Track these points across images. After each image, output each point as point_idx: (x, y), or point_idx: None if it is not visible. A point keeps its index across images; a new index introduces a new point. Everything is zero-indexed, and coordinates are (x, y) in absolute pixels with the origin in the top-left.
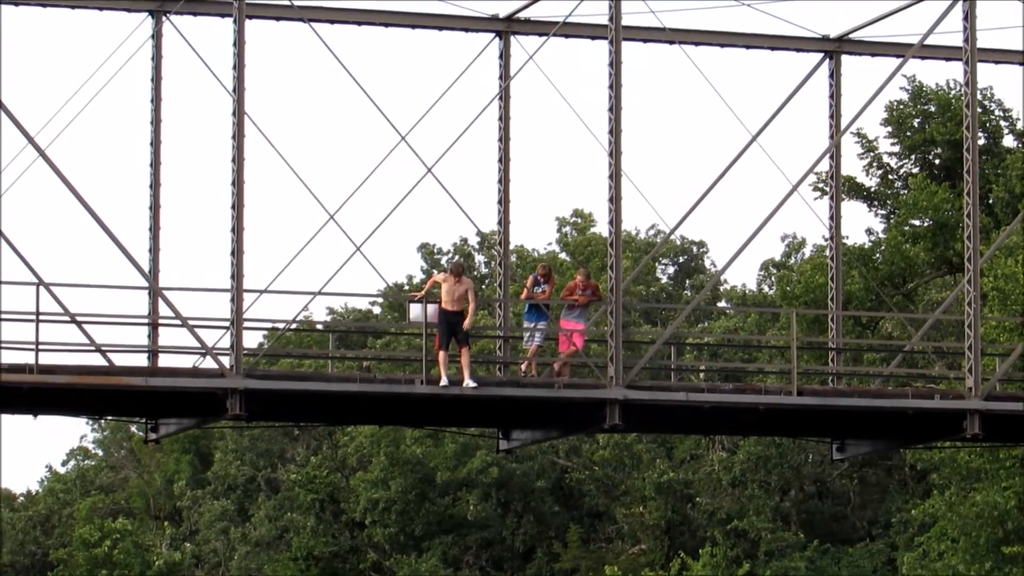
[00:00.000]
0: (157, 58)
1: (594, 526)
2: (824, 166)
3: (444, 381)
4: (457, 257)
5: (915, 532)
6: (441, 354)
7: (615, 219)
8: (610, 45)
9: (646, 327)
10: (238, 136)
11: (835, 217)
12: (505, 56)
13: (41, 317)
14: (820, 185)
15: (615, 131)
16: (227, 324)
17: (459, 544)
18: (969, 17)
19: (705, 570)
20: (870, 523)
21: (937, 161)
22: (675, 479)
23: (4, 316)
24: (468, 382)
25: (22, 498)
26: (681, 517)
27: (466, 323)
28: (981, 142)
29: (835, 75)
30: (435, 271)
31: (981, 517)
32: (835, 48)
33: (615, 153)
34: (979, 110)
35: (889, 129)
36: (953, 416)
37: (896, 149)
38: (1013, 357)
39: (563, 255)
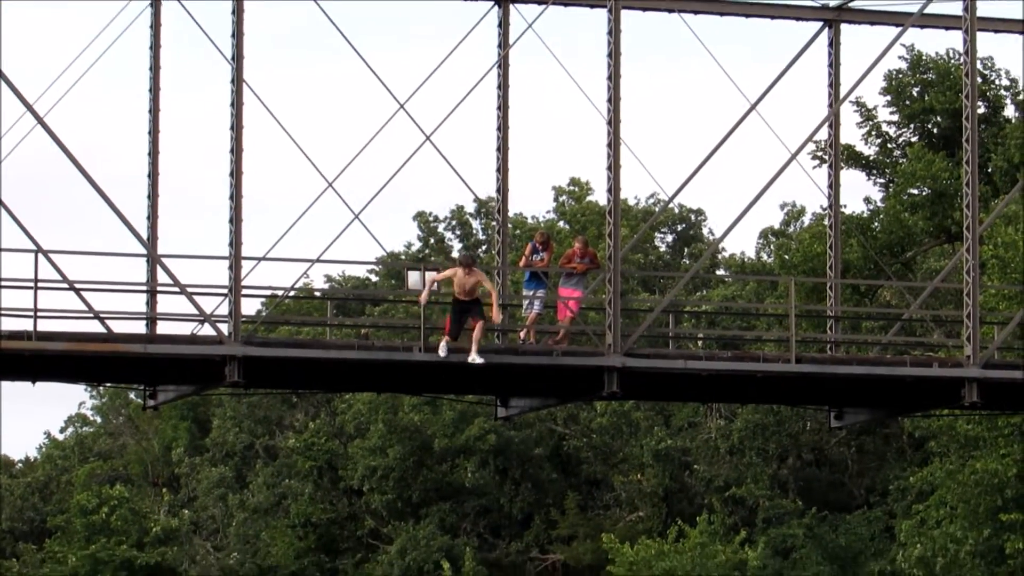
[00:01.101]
0: (156, 26)
1: (592, 493)
2: (823, 135)
3: (443, 351)
4: (466, 250)
5: (913, 500)
6: (446, 339)
7: (614, 187)
8: (609, 13)
9: (644, 295)
10: (236, 104)
11: (834, 186)
12: (504, 24)
13: (40, 284)
14: (819, 154)
15: (614, 100)
16: (225, 291)
17: (457, 511)
18: None
19: (702, 537)
20: (868, 491)
21: (936, 130)
22: (673, 447)
23: (3, 283)
24: (474, 356)
25: (20, 464)
26: (679, 485)
27: (495, 316)
28: (980, 111)
29: (834, 44)
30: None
31: (979, 485)
32: (834, 17)
33: (614, 122)
34: (979, 80)
35: (888, 98)
36: (951, 384)
37: (895, 118)
38: (1012, 325)
39: (561, 223)
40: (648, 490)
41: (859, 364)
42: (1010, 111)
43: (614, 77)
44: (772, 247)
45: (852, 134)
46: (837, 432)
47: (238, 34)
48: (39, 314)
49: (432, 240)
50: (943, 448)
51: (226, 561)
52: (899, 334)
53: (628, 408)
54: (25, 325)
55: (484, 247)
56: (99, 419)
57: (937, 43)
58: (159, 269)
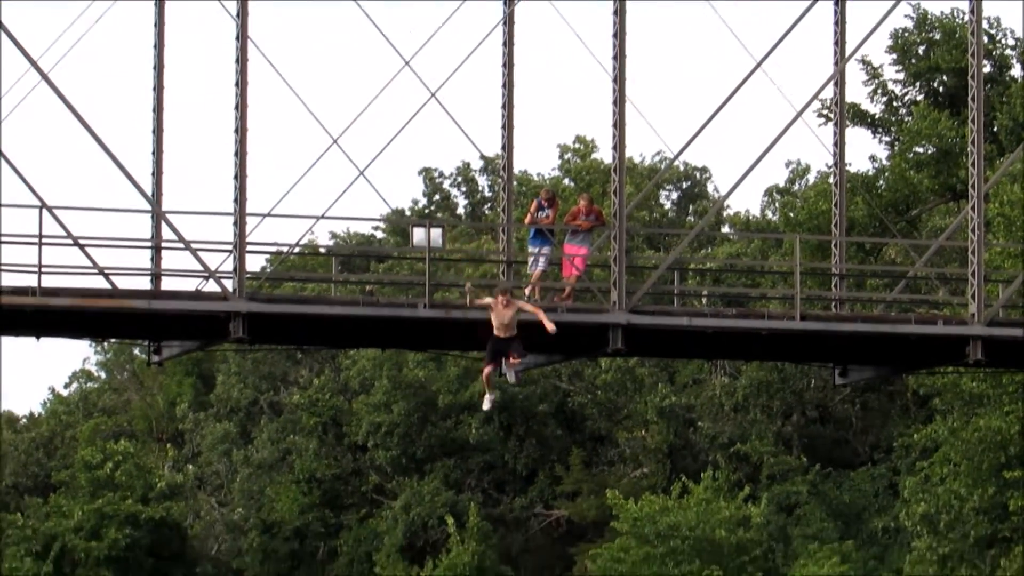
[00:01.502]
0: None
1: (596, 450)
2: (829, 93)
3: (488, 403)
4: (505, 280)
5: (917, 457)
6: (487, 369)
7: (619, 145)
8: None
9: (649, 253)
10: (241, 60)
11: (839, 144)
12: None
13: (44, 240)
14: (824, 112)
15: (619, 57)
16: (230, 248)
17: (461, 467)
18: None
19: (707, 494)
20: (872, 448)
21: (941, 89)
22: (677, 403)
23: (6, 239)
24: (509, 372)
25: (24, 420)
26: (683, 441)
27: (549, 326)
28: (986, 70)
29: (840, 2)
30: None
31: (983, 442)
32: None
33: (619, 79)
34: (985, 39)
35: (894, 56)
36: (956, 342)
37: (901, 76)
38: (1016, 283)
39: (566, 181)
40: (652, 446)
41: (864, 321)
42: (1016, 70)
43: (619, 34)
44: (777, 205)
45: (858, 92)
46: (841, 389)
47: None
48: (43, 270)
49: (438, 197)
50: (947, 405)
51: (230, 516)
52: (904, 292)
53: (633, 364)
54: (29, 281)
55: (489, 204)
56: (103, 375)
57: (943, 2)
58: (164, 225)
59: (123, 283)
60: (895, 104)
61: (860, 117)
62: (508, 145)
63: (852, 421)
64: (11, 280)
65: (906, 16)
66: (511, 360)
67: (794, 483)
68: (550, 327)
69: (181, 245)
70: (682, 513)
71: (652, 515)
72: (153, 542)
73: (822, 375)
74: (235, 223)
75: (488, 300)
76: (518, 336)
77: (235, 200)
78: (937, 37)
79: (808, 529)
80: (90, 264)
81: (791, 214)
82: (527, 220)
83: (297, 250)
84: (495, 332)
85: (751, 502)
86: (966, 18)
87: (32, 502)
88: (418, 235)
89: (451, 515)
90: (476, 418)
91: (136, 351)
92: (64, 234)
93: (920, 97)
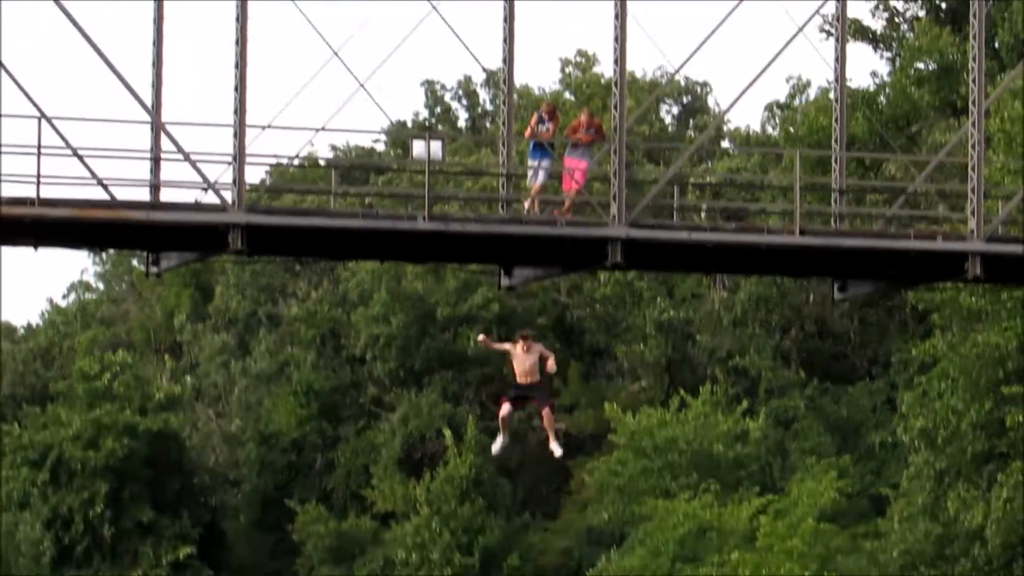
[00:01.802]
0: None
1: (594, 363)
2: (830, 8)
3: (497, 446)
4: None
5: (915, 372)
6: (505, 407)
7: (620, 59)
8: None
9: (649, 167)
10: None
11: (840, 59)
12: None
13: (43, 151)
14: (826, 27)
15: None
16: (229, 159)
17: (459, 380)
18: None
19: (705, 408)
20: (870, 363)
21: (943, 5)
22: (675, 318)
23: (6, 149)
24: (554, 446)
25: (22, 331)
26: (681, 355)
27: (549, 364)
28: None
29: None
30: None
31: (981, 358)
32: None
33: None
34: None
35: None
36: (955, 258)
37: None
38: (1016, 199)
39: (567, 95)
40: (651, 360)
41: (863, 237)
42: None
43: None
44: (777, 120)
45: (860, 8)
46: (840, 304)
47: None
48: (42, 181)
49: (439, 109)
50: (946, 321)
51: (228, 428)
52: (904, 208)
53: (632, 279)
54: (28, 192)
55: (491, 118)
56: (101, 286)
57: None
58: (163, 136)
59: (122, 194)
60: (896, 20)
61: (862, 33)
62: (509, 58)
63: (851, 336)
64: (10, 190)
65: None
66: (546, 424)
67: (792, 398)
68: (550, 365)
69: (180, 157)
70: (680, 427)
71: (650, 429)
72: (150, 453)
73: (821, 290)
74: (235, 135)
75: (507, 346)
76: (542, 382)
77: (235, 112)
78: None
79: (805, 444)
80: (89, 175)
81: (791, 129)
82: (527, 133)
83: (297, 162)
84: (517, 379)
85: (749, 416)
86: None
87: (30, 412)
88: (418, 148)
89: (449, 428)
90: (475, 331)
91: (135, 263)
92: (63, 145)
93: (922, 13)
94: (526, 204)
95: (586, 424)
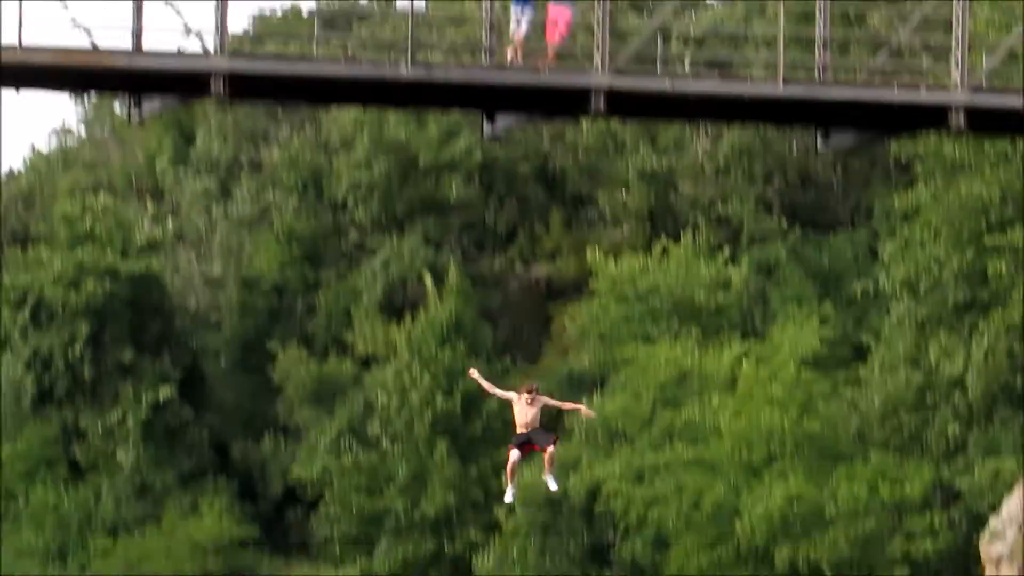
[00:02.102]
0: None
1: (576, 210)
2: None
3: (509, 496)
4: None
5: (898, 221)
6: (513, 455)
7: None
8: None
9: (633, 18)
10: None
11: None
12: None
13: None
14: None
15: None
16: (213, 5)
17: (441, 225)
18: None
19: (687, 254)
20: (853, 212)
21: None
22: (658, 166)
23: None
24: (549, 480)
25: (4, 176)
26: (664, 204)
27: (584, 411)
28: None
29: None
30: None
31: (964, 208)
32: None
33: None
34: None
35: None
36: (939, 109)
37: None
38: (1001, 51)
39: None
40: (633, 208)
41: (846, 87)
42: None
43: None
44: None
45: None
46: (823, 154)
47: None
48: (24, 26)
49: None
50: (929, 171)
51: (209, 271)
52: (888, 60)
53: (615, 127)
54: (10, 37)
55: None
56: (84, 132)
57: None
58: None
59: (104, 39)
60: None
61: None
62: None
63: (833, 185)
64: None
65: None
66: (546, 459)
67: (774, 246)
68: (585, 412)
69: (163, 1)
70: (662, 274)
71: (632, 275)
72: (131, 295)
73: (804, 140)
74: None
75: (510, 395)
76: (542, 425)
77: None
78: None
79: (787, 291)
80: (71, 20)
81: None
82: None
83: (280, 11)
84: (518, 429)
85: (731, 264)
86: None
87: (12, 252)
88: None
89: (430, 273)
90: (456, 177)
91: (117, 109)
92: None
93: None
94: (508, 53)
95: (568, 270)
